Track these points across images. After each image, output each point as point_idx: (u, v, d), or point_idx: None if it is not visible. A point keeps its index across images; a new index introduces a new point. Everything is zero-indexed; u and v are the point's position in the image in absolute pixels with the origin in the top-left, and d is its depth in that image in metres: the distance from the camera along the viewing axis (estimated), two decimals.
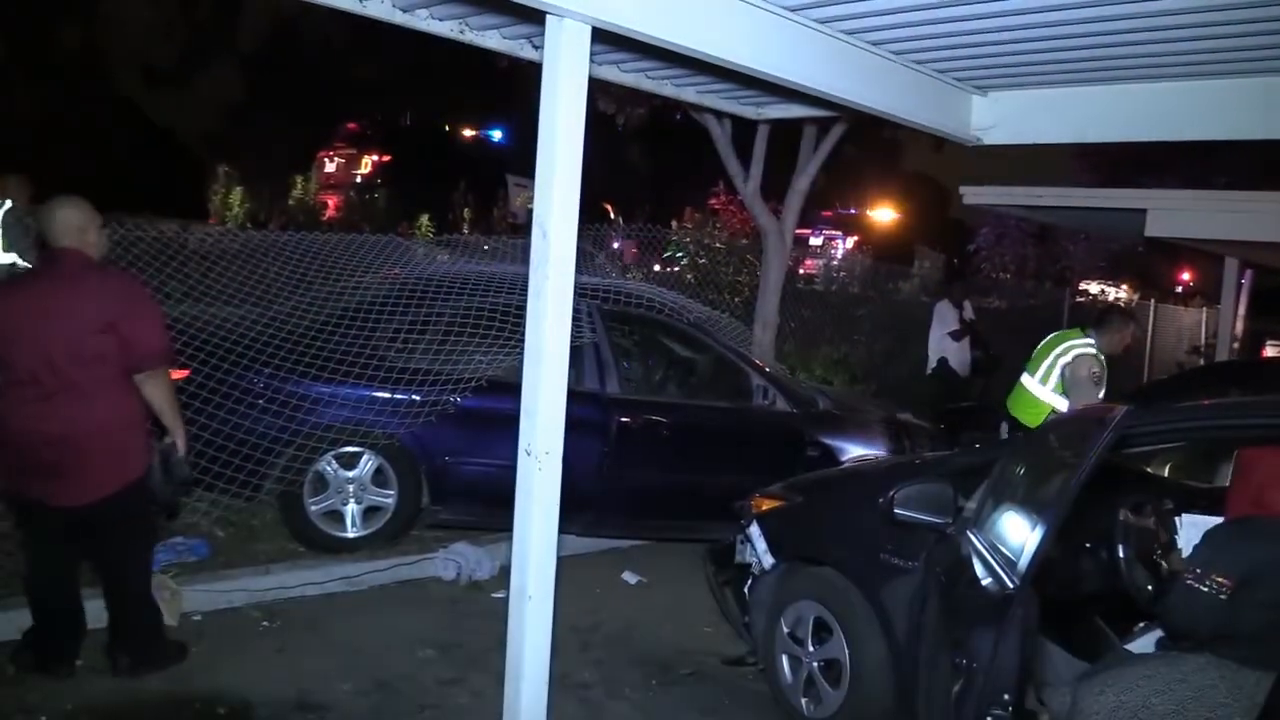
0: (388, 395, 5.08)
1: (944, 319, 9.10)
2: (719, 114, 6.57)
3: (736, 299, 9.59)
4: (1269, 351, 13.36)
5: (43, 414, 3.49)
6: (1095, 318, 5.55)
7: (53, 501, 3.58)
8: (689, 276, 10.69)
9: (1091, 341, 5.27)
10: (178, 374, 5.20)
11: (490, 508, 4.98)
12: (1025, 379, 5.45)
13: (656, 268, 11.09)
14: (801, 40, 3.71)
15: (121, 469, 3.60)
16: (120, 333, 3.50)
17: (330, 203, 28.26)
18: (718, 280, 10.25)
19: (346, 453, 5.12)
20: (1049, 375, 5.30)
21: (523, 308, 3.12)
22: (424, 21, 4.23)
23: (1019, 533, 2.99)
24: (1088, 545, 3.58)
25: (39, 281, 3.73)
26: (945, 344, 9.02)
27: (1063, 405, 5.21)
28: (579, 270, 3.15)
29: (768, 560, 4.01)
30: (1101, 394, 5.21)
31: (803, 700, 3.83)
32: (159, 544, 4.56)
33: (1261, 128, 4.00)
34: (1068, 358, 5.23)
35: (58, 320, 3.47)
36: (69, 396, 3.48)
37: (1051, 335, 5.52)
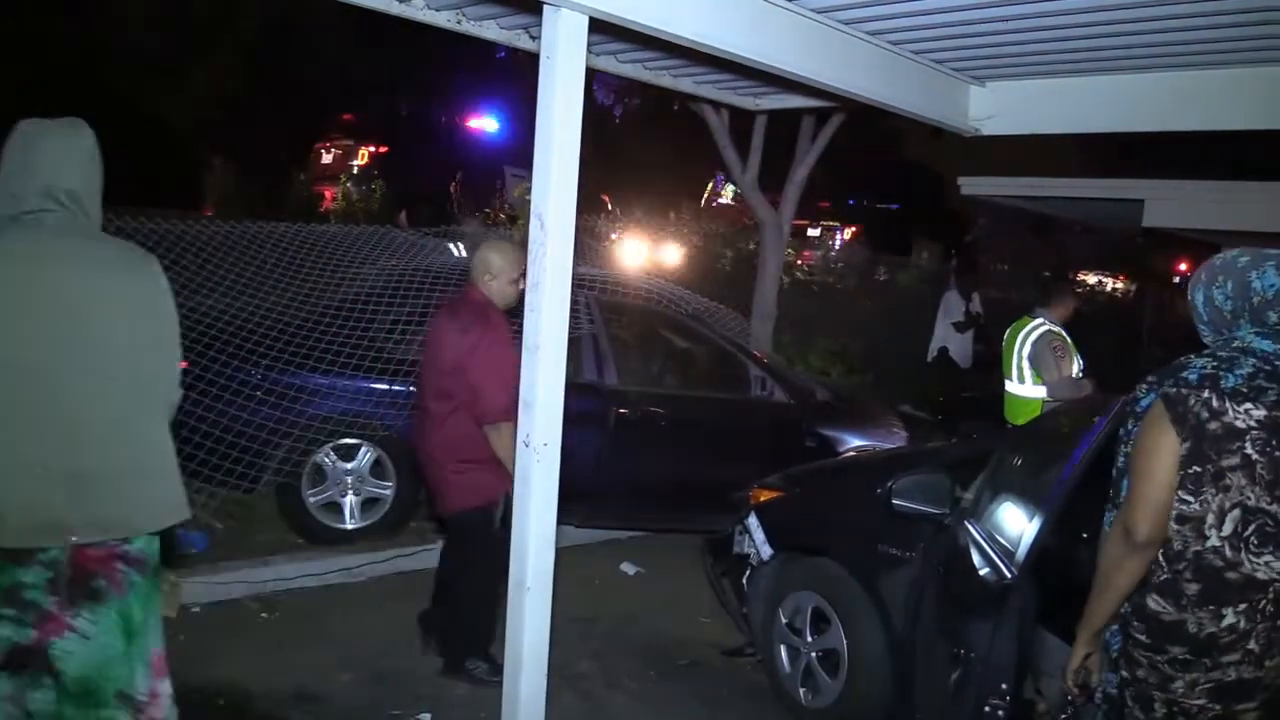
0: (386, 387, 5.08)
1: (950, 309, 9.09)
2: (716, 104, 6.54)
3: (733, 290, 9.57)
4: None
5: (421, 432, 3.94)
6: (1041, 294, 5.56)
7: (434, 507, 4.21)
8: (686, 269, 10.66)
9: (1041, 320, 5.31)
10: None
11: None
12: (1008, 385, 5.43)
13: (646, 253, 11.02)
14: (799, 30, 3.70)
15: (457, 495, 3.85)
16: (466, 380, 3.69)
17: (327, 194, 28.19)
18: (715, 271, 10.22)
19: (345, 444, 5.12)
20: (1023, 373, 5.30)
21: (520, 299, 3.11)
22: (421, 11, 4.21)
23: (1017, 523, 3.00)
24: (1085, 535, 3.58)
25: (443, 311, 4.04)
26: (949, 334, 9.01)
27: (1044, 392, 5.21)
28: (576, 261, 3.14)
29: (766, 551, 4.01)
30: (1076, 365, 5.23)
31: (801, 690, 3.85)
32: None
33: (1262, 118, 3.98)
34: (1027, 348, 5.26)
35: (434, 351, 3.85)
36: (429, 422, 3.84)
37: (1007, 333, 5.50)
